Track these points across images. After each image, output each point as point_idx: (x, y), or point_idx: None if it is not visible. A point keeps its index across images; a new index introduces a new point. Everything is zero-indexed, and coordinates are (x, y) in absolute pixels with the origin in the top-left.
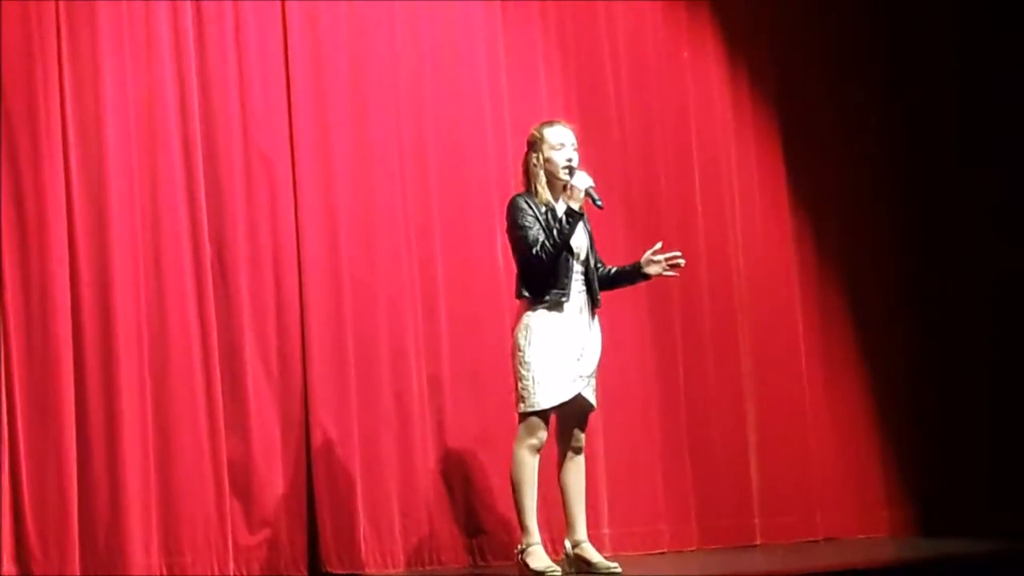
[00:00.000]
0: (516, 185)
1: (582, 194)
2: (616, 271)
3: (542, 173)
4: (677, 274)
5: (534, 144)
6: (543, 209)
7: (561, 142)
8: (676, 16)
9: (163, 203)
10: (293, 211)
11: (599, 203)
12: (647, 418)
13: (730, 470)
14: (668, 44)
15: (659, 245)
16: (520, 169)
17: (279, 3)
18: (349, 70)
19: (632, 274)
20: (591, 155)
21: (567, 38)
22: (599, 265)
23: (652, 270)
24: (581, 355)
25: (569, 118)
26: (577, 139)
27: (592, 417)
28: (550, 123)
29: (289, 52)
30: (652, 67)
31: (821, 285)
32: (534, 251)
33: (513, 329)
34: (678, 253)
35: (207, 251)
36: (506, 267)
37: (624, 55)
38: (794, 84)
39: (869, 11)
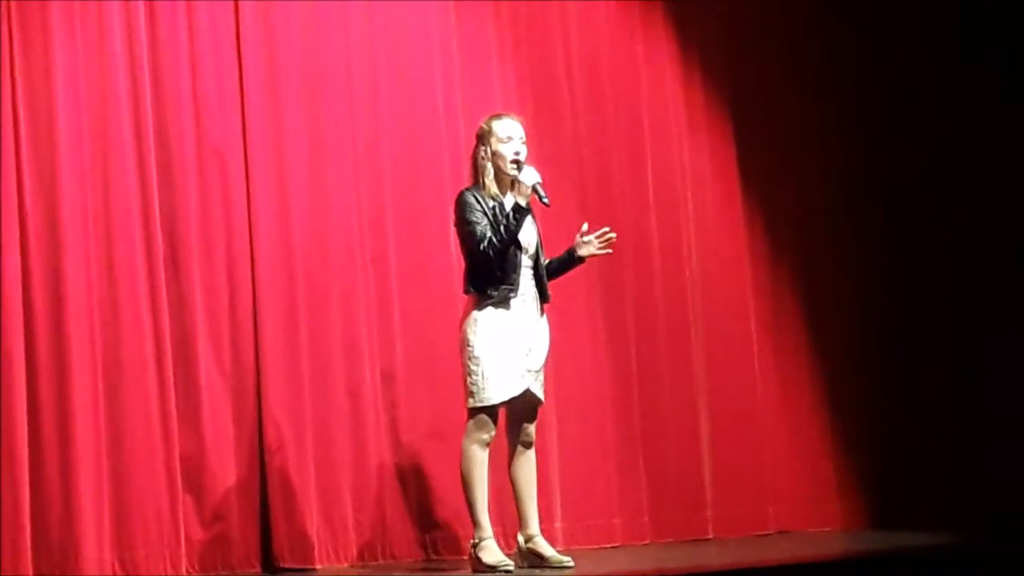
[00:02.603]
0: (470, 181)
1: (529, 190)
2: (553, 262)
3: (490, 166)
4: (611, 250)
5: (482, 137)
6: (491, 203)
7: (509, 135)
8: (629, 11)
9: (115, 198)
10: (246, 206)
11: (545, 200)
12: (600, 412)
13: (682, 464)
14: (621, 39)
15: (585, 227)
16: (469, 162)
17: (232, 1)
18: (302, 65)
19: (567, 260)
20: (544, 149)
21: (520, 33)
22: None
23: (584, 251)
24: (530, 350)
25: (522, 112)
26: (527, 132)
27: (545, 411)
28: (498, 116)
29: (242, 47)
30: (605, 61)
31: (774, 279)
32: (481, 247)
33: (461, 324)
34: (607, 228)
35: (159, 246)
36: (459, 262)
37: (577, 50)
38: (746, 77)
39: (822, 5)
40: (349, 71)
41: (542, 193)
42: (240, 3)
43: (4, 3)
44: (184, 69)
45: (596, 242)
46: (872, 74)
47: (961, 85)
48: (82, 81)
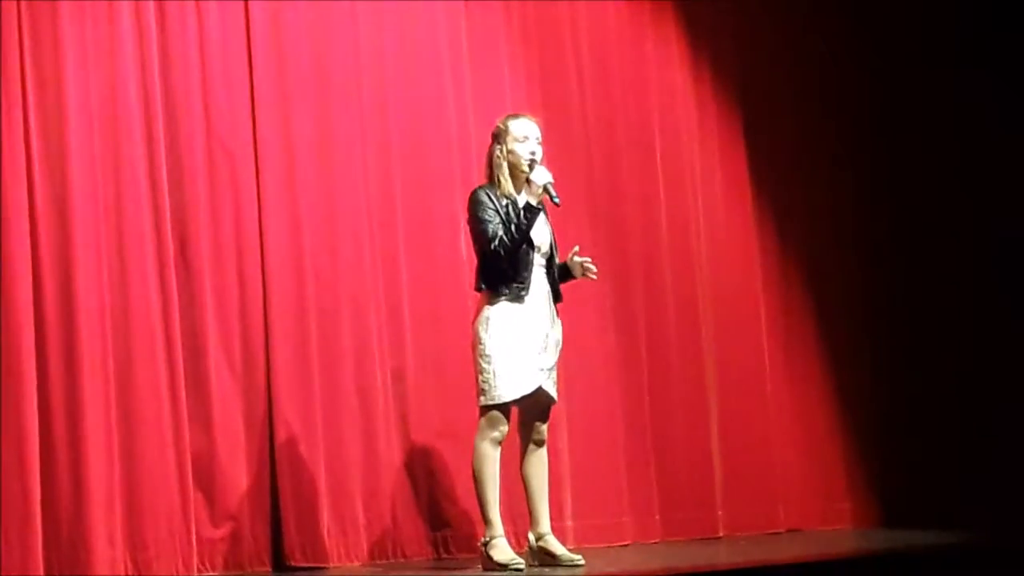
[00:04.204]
0: (479, 180)
1: (540, 189)
2: (559, 267)
3: (505, 165)
4: (594, 277)
5: (498, 136)
6: (504, 202)
7: (525, 135)
8: (639, 11)
9: (126, 198)
10: (256, 206)
11: (556, 200)
12: (611, 411)
13: (693, 462)
14: (631, 38)
15: (577, 248)
16: (484, 161)
17: (242, 1)
18: (312, 65)
19: (565, 274)
20: (554, 149)
21: (530, 33)
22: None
23: (576, 273)
24: (543, 348)
25: (532, 112)
26: (542, 133)
27: (556, 410)
28: (515, 116)
29: (252, 47)
30: (615, 61)
31: (784, 278)
32: (492, 245)
33: (473, 322)
34: (588, 259)
35: (170, 246)
36: (469, 261)
37: (587, 50)
38: (757, 77)
39: (833, 7)
40: (359, 70)
41: (553, 193)
42: (250, 2)
43: (15, 2)
44: (194, 68)
45: (579, 268)
46: (882, 76)
47: (970, 88)
48: (92, 80)
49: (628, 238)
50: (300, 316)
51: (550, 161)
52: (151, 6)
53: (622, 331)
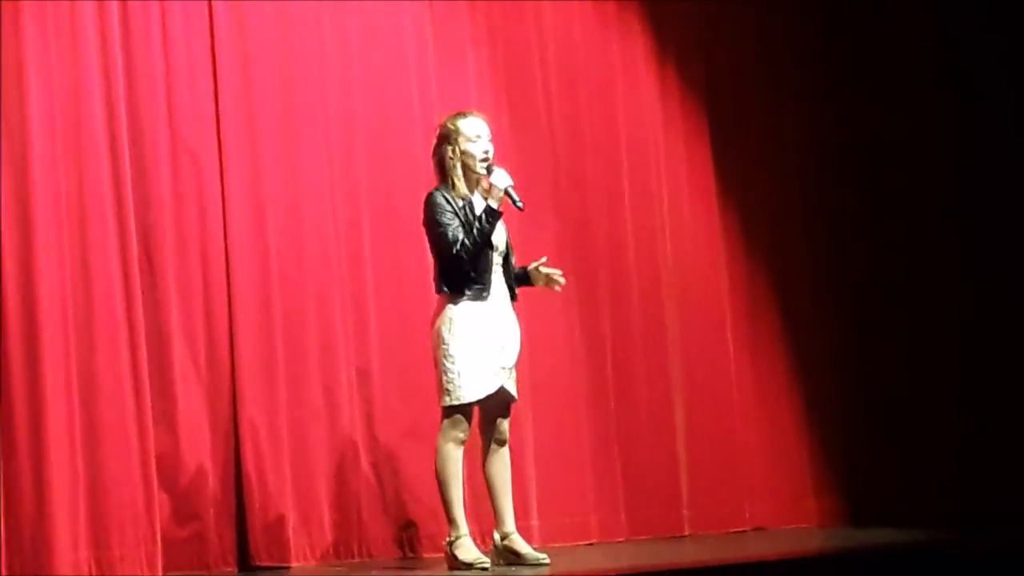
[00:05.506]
0: (435, 180)
1: (501, 193)
2: (517, 272)
3: (459, 166)
4: (559, 288)
5: (448, 136)
6: (460, 203)
7: (477, 134)
8: (604, 10)
9: (89, 199)
10: (221, 206)
11: (519, 204)
12: (576, 409)
13: (658, 461)
14: (596, 38)
15: (544, 259)
16: (432, 163)
17: (206, 1)
18: (277, 66)
19: (523, 279)
20: (520, 148)
21: (496, 33)
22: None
23: (538, 283)
24: (503, 347)
25: (497, 112)
26: (503, 133)
27: (521, 408)
28: (463, 114)
29: (216, 48)
30: (580, 61)
31: (749, 276)
32: (454, 249)
33: (432, 323)
34: (558, 272)
35: (134, 248)
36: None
37: (553, 50)
38: (722, 76)
39: (798, 6)
40: (323, 71)
41: (515, 197)
42: (214, 3)
43: None
44: (158, 70)
45: (543, 279)
46: (848, 75)
47: (939, 86)
48: (55, 83)
49: (593, 238)
50: (265, 317)
51: (514, 161)
52: (114, 6)
53: (587, 330)
